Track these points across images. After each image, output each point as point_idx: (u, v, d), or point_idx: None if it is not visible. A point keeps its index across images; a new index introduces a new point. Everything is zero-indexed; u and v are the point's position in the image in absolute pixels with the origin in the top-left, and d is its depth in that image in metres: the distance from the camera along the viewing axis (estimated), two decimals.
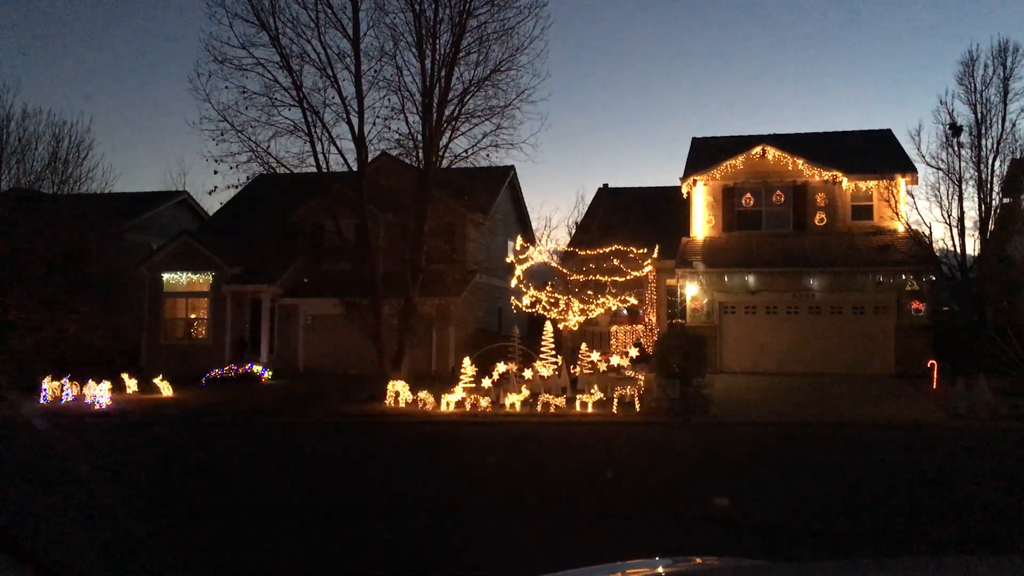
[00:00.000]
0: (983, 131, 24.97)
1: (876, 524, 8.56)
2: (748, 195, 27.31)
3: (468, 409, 18.87)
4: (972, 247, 25.34)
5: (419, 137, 22.03)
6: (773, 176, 27.05)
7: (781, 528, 8.44)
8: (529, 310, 25.11)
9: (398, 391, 19.78)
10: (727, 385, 22.26)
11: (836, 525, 8.49)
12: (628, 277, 24.62)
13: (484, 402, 19.05)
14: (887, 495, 10.01)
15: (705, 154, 28.91)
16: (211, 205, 38.83)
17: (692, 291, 25.19)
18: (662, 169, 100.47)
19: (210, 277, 28.49)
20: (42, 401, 20.97)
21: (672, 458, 13.76)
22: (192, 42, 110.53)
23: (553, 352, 21.74)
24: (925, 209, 54.30)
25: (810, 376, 23.23)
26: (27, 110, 32.13)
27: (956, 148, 25.32)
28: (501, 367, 20.48)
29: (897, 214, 25.95)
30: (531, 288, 24.25)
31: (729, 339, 25.32)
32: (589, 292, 24.66)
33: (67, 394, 21.56)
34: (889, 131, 30.21)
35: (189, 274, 28.68)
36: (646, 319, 26.75)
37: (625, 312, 26.83)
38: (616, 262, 24.84)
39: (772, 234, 26.68)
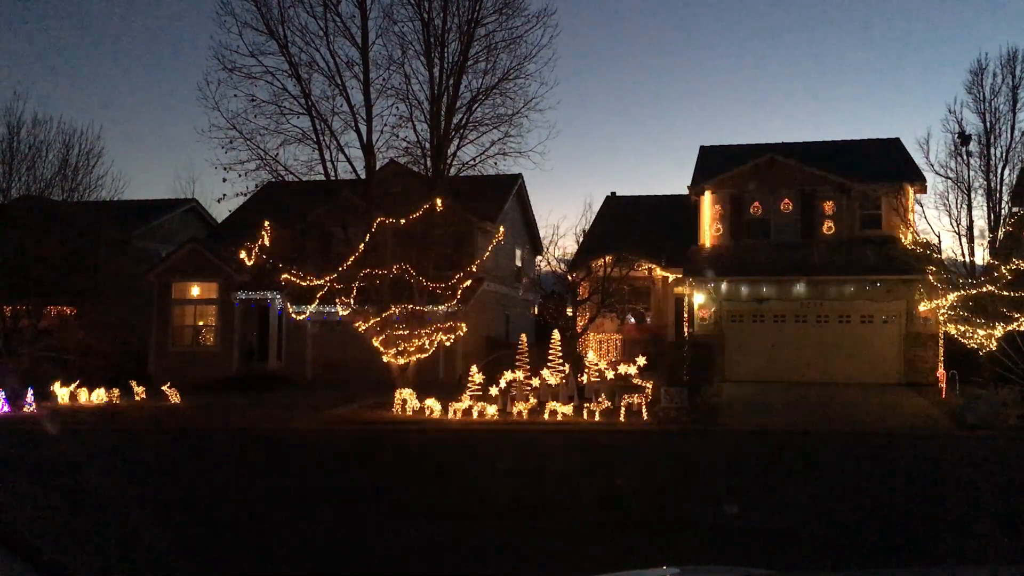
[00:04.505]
0: (992, 140, 24.89)
1: (885, 534, 8.52)
2: (756, 203, 27.25)
3: (475, 417, 18.86)
4: (981, 256, 25.26)
5: (427, 145, 22.08)
6: (781, 184, 27.00)
7: (790, 537, 8.41)
8: (536, 318, 25.10)
9: (406, 399, 19.78)
10: (735, 393, 22.19)
11: (845, 534, 8.45)
12: (636, 285, 24.61)
13: (491, 410, 19.03)
14: (895, 505, 9.97)
15: (713, 162, 28.89)
16: (220, 212, 39.02)
17: (700, 299, 25.14)
18: (670, 177, 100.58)
19: (218, 284, 28.57)
20: (51, 406, 21.03)
21: (680, 466, 13.72)
22: (202, 50, 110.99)
23: (560, 360, 21.71)
24: (934, 218, 54.24)
25: (818, 385, 23.15)
26: (37, 118, 32.22)
27: (965, 157, 25.24)
28: (508, 375, 20.47)
29: (905, 223, 25.87)
30: (538, 296, 24.25)
31: (737, 347, 25.24)
32: (596, 300, 24.65)
33: (75, 400, 21.63)
34: (898, 140, 30.15)
35: (198, 281, 28.76)
36: (653, 327, 26.71)
37: (632, 320, 26.80)
38: (623, 270, 24.84)
39: (780, 242, 26.61)
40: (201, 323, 29.27)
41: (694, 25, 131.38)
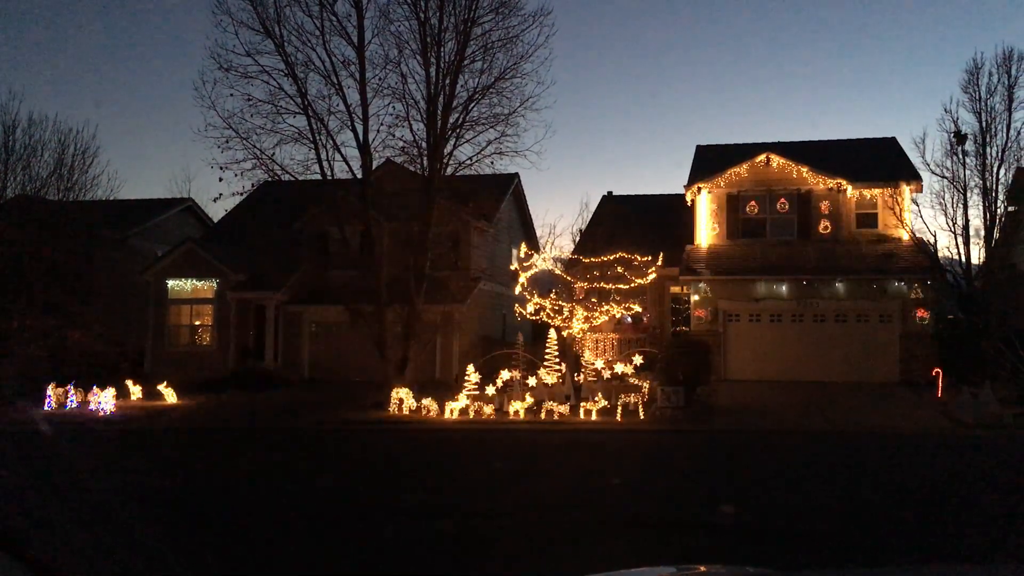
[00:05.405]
0: (988, 139, 24.97)
1: (882, 533, 8.52)
2: (752, 203, 27.28)
3: (472, 416, 18.85)
4: (977, 255, 25.31)
5: (423, 144, 22.06)
6: (777, 184, 27.03)
7: (787, 536, 8.41)
8: (533, 317, 25.06)
9: (402, 398, 19.77)
10: (731, 393, 22.20)
11: (842, 534, 8.46)
12: (632, 285, 24.58)
13: (488, 409, 19.03)
14: (893, 504, 9.97)
15: (709, 162, 28.91)
16: (216, 212, 39.03)
17: (696, 299, 25.18)
18: (667, 177, 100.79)
19: (215, 284, 28.53)
20: (46, 407, 20.98)
21: (677, 466, 13.72)
22: (198, 50, 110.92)
23: (557, 359, 21.71)
24: (930, 217, 54.41)
25: (814, 384, 23.17)
26: (33, 117, 32.21)
27: (961, 156, 25.31)
28: (505, 374, 20.46)
29: (902, 222, 25.91)
30: (535, 295, 24.22)
31: (733, 347, 25.27)
32: (593, 300, 24.62)
33: (71, 400, 21.57)
34: (894, 139, 30.19)
35: (194, 281, 28.72)
36: (650, 327, 26.73)
37: (629, 320, 26.81)
38: (620, 269, 24.81)
39: (776, 242, 26.64)
40: (197, 323, 29.23)
41: (691, 25, 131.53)
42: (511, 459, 14.29)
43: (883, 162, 28.10)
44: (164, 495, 11.02)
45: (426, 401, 19.43)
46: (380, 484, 11.91)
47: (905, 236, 25.91)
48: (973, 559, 7.46)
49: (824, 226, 26.72)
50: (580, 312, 24.14)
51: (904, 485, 11.39)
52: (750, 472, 12.76)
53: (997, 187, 24.83)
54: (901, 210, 25.95)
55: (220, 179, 21.91)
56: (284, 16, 21.67)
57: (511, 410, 19.05)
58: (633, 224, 29.27)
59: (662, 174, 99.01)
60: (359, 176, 22.45)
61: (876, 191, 26.57)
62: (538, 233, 33.98)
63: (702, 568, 3.13)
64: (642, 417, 18.30)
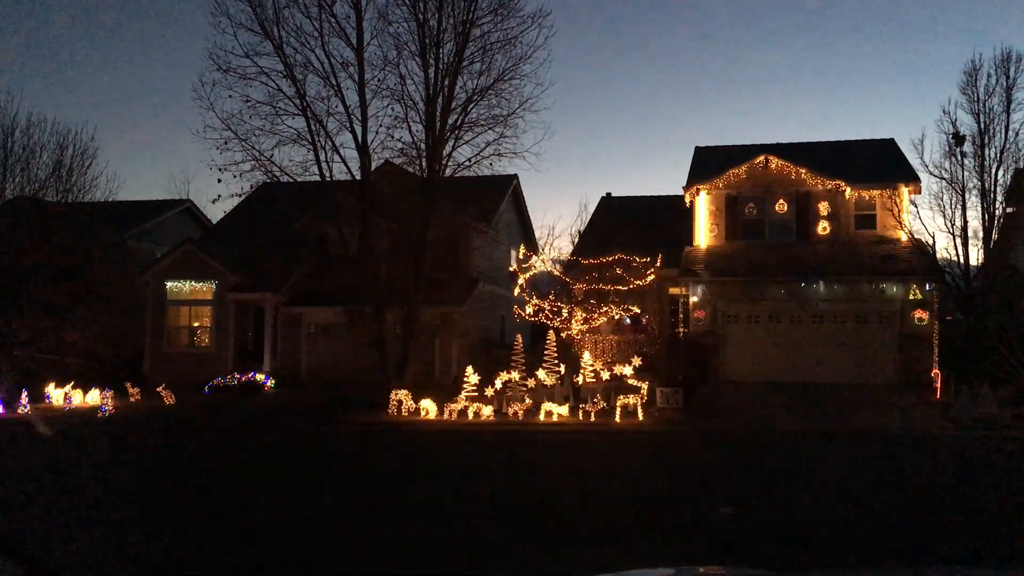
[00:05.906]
0: (986, 140, 25.01)
1: (882, 534, 8.52)
2: (751, 204, 27.28)
3: (471, 418, 18.84)
4: (975, 256, 25.35)
5: (422, 146, 22.07)
6: (776, 185, 27.03)
7: (786, 537, 8.41)
8: (532, 319, 25.09)
9: (401, 400, 19.76)
10: (730, 394, 22.19)
11: (842, 535, 8.46)
12: (631, 286, 24.63)
13: (487, 411, 19.02)
14: (893, 505, 9.97)
15: (708, 163, 28.91)
16: (215, 214, 38.99)
17: (695, 300, 25.17)
18: (665, 178, 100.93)
19: (213, 285, 28.50)
20: (45, 408, 20.97)
21: (676, 467, 13.72)
22: (196, 51, 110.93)
23: (556, 361, 21.70)
24: (928, 218, 54.43)
25: (813, 385, 23.16)
26: (32, 118, 31.93)
27: (959, 157, 25.35)
28: (504, 376, 20.45)
29: (900, 223, 25.92)
30: (534, 297, 24.25)
31: (732, 348, 25.26)
32: (592, 301, 24.67)
33: (70, 401, 21.56)
34: (892, 140, 30.18)
35: (192, 282, 28.70)
36: (649, 328, 26.73)
37: (628, 321, 26.81)
38: (619, 271, 24.87)
39: (775, 243, 26.64)
40: (196, 324, 29.21)
41: (690, 26, 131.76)
42: (510, 461, 14.28)
43: (882, 163, 28.10)
44: (163, 496, 11.01)
45: (425, 403, 19.42)
46: (380, 485, 11.89)
47: (904, 237, 25.92)
48: (973, 560, 7.46)
49: (823, 227, 26.72)
50: (579, 313, 24.18)
51: (904, 485, 11.40)
52: (749, 473, 12.76)
53: (995, 188, 24.89)
54: (900, 211, 25.97)
55: (219, 180, 21.99)
56: (283, 17, 21.71)
57: (510, 412, 19.05)
58: (632, 225, 29.28)
59: (661, 175, 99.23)
60: (358, 177, 22.46)
61: (875, 192, 26.57)
62: (537, 235, 34.02)
63: (702, 568, 3.15)
64: (641, 419, 18.29)
